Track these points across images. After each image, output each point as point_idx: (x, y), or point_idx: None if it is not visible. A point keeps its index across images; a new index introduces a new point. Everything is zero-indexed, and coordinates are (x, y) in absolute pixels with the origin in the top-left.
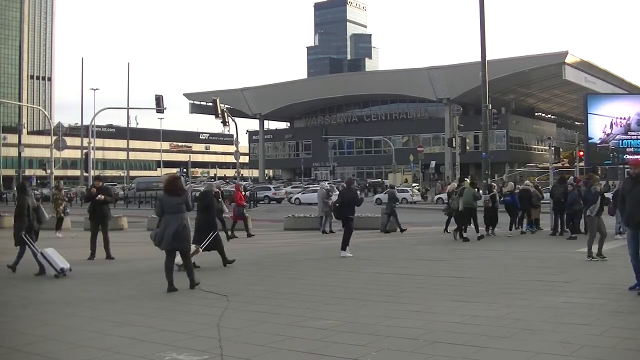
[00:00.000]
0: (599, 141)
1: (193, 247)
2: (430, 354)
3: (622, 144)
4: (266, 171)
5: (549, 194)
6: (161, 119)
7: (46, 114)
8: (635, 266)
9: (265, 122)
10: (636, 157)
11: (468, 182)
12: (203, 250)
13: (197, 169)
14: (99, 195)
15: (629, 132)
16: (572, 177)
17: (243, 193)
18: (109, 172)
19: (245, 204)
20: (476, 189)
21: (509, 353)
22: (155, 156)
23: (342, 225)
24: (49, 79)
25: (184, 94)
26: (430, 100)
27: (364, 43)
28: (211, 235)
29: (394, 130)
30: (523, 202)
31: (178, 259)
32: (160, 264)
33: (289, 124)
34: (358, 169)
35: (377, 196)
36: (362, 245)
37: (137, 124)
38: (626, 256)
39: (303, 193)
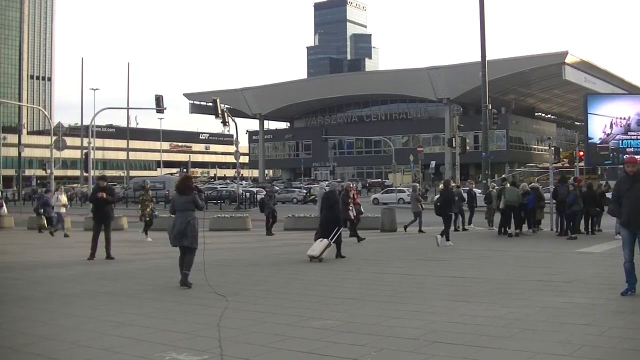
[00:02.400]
0: (599, 141)
1: (325, 241)
2: (430, 354)
3: (622, 144)
4: (266, 171)
5: (549, 194)
6: (161, 119)
7: (46, 114)
8: (629, 269)
9: (265, 122)
10: (632, 155)
11: (509, 182)
12: (331, 242)
13: (197, 169)
14: (101, 194)
15: (628, 132)
16: (572, 178)
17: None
18: (109, 172)
19: (359, 203)
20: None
21: (509, 353)
22: (155, 156)
23: (443, 221)
24: (49, 79)
25: (184, 94)
26: (430, 100)
27: (364, 43)
28: (337, 230)
29: (394, 130)
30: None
31: (313, 251)
32: (160, 263)
33: (288, 124)
34: (358, 169)
35: (374, 196)
36: (362, 245)
37: (137, 124)
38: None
39: (382, 193)
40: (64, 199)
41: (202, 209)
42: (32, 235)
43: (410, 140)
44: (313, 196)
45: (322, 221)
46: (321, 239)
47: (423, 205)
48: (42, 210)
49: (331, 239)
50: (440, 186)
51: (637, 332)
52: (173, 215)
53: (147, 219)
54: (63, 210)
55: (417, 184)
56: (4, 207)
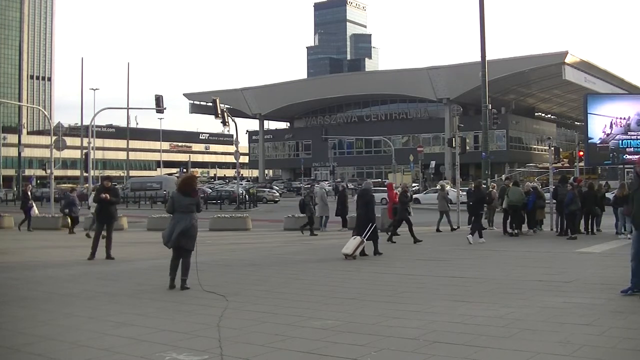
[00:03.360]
0: (599, 141)
1: (359, 238)
2: (430, 354)
3: (622, 144)
4: (266, 171)
5: (549, 194)
6: (161, 119)
7: (46, 114)
8: (635, 268)
9: (265, 122)
10: None
11: (511, 183)
12: (366, 240)
13: (197, 169)
14: (104, 195)
15: (628, 132)
16: (572, 178)
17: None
18: (108, 172)
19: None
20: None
21: (509, 353)
22: (155, 156)
23: (473, 219)
24: (49, 79)
25: (184, 94)
26: (430, 100)
27: (364, 43)
28: (370, 227)
29: (394, 130)
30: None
31: (347, 249)
32: (160, 263)
33: (288, 124)
34: (358, 169)
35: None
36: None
37: (137, 124)
38: (627, 256)
39: (425, 194)
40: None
41: (200, 211)
42: (32, 235)
43: (410, 140)
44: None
45: (357, 219)
46: (354, 236)
47: (449, 205)
48: (67, 210)
49: (364, 237)
50: (470, 186)
51: (637, 332)
52: (156, 216)
53: None
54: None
55: (445, 184)
56: (34, 207)
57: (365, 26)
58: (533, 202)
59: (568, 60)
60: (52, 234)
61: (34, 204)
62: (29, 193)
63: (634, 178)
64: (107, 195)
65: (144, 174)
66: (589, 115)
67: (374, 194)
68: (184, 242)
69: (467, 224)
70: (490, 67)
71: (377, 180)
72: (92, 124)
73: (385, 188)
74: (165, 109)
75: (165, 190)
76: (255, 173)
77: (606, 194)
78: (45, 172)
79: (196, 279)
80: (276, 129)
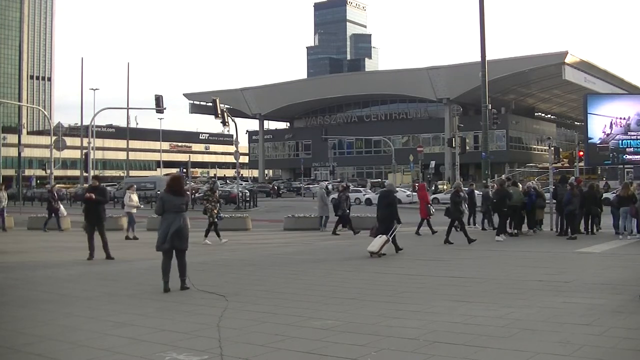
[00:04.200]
0: (598, 141)
1: (384, 237)
2: (430, 354)
3: (621, 144)
4: (266, 171)
5: (549, 194)
6: (161, 119)
7: (46, 114)
8: None
9: (265, 122)
10: None
11: (511, 182)
12: (390, 238)
13: (197, 169)
14: (89, 195)
15: (628, 132)
16: (572, 178)
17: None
18: (109, 172)
19: (430, 202)
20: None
21: (509, 353)
22: (155, 156)
23: (498, 216)
24: (49, 79)
25: (184, 94)
26: (430, 100)
27: (363, 43)
28: (395, 227)
29: (394, 130)
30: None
31: (373, 247)
32: (159, 264)
33: (288, 124)
34: (358, 169)
35: (332, 196)
36: (361, 245)
37: (137, 124)
38: (628, 256)
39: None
40: (135, 198)
41: (186, 211)
42: (32, 235)
43: (410, 140)
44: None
45: (380, 218)
46: (380, 235)
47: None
48: (156, 211)
49: (389, 235)
50: (492, 185)
51: (637, 332)
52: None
53: (215, 220)
54: (134, 211)
55: (460, 184)
56: (62, 207)
57: (365, 26)
58: (533, 202)
59: (568, 60)
60: (52, 234)
61: (60, 205)
62: (56, 193)
63: None
64: (92, 195)
65: (144, 174)
66: (589, 115)
67: (396, 195)
68: (178, 243)
69: (473, 224)
70: (490, 67)
71: (377, 180)
72: (92, 124)
73: (360, 188)
74: (165, 109)
75: (159, 190)
76: (255, 173)
77: (605, 194)
78: (45, 172)
79: (203, 278)
80: (276, 129)
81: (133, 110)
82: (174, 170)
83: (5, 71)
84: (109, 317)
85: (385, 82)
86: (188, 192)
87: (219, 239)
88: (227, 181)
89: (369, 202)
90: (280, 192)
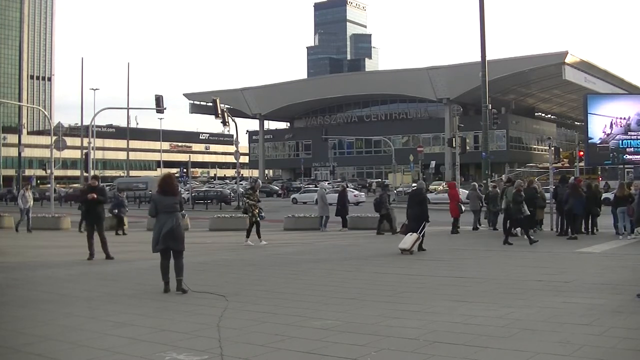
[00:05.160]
0: (599, 141)
1: (415, 234)
2: (430, 354)
3: (622, 144)
4: (266, 171)
5: (549, 194)
6: (161, 119)
7: (46, 114)
8: None
9: (265, 122)
10: None
11: (511, 183)
12: (421, 236)
13: (197, 169)
14: (91, 195)
15: (629, 132)
16: (572, 178)
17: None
18: (108, 172)
19: (461, 200)
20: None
21: (509, 353)
22: (155, 156)
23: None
24: (49, 79)
25: (184, 94)
26: (430, 100)
27: (364, 43)
28: (424, 224)
29: (394, 130)
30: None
31: (404, 244)
32: (159, 264)
33: (289, 124)
34: (358, 169)
35: (293, 196)
36: (362, 245)
37: (137, 124)
38: (628, 256)
39: (301, 193)
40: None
41: (182, 210)
42: (32, 235)
43: (410, 140)
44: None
45: (411, 216)
46: (411, 232)
47: (482, 204)
48: (115, 211)
49: (419, 233)
50: (493, 186)
51: (637, 332)
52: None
53: (256, 220)
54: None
55: (476, 183)
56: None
57: (365, 26)
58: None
59: (568, 60)
60: (52, 234)
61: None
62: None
63: None
64: (95, 195)
65: (144, 174)
66: (589, 115)
67: (426, 195)
68: (172, 244)
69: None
70: (490, 67)
71: (377, 180)
72: (92, 124)
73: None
74: (165, 109)
75: (150, 190)
76: (255, 173)
77: (605, 194)
78: (45, 172)
79: (202, 278)
80: (276, 129)
81: (133, 110)
82: (174, 170)
83: (5, 71)
84: (109, 317)
85: (385, 82)
86: (186, 191)
87: (259, 240)
88: (227, 181)
89: (294, 201)
90: (289, 192)
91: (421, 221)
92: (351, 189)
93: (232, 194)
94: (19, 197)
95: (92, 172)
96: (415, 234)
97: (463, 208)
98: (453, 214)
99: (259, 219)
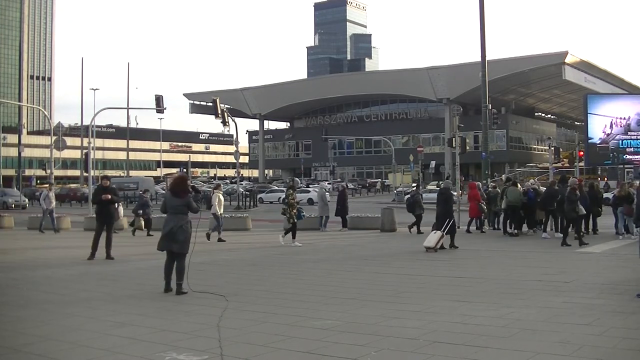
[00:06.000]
0: (599, 141)
1: (439, 232)
2: (430, 354)
3: (622, 144)
4: (266, 171)
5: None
6: (161, 119)
7: (46, 114)
8: None
9: (265, 122)
10: None
11: (511, 183)
12: (445, 234)
13: (197, 169)
14: (105, 196)
15: (628, 132)
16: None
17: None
18: (108, 172)
19: (482, 200)
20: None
21: (509, 353)
22: (155, 156)
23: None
24: (49, 79)
25: (184, 94)
26: (430, 100)
27: (364, 43)
28: (448, 222)
29: (394, 130)
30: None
31: (429, 242)
32: (160, 264)
33: (288, 124)
34: (358, 169)
35: (260, 195)
36: (362, 245)
37: (137, 124)
38: (628, 256)
39: (267, 193)
40: (222, 198)
41: (196, 212)
42: (32, 235)
43: (410, 140)
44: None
45: (437, 215)
46: (435, 230)
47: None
48: (140, 212)
49: (443, 231)
50: (493, 186)
51: (637, 332)
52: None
53: (294, 221)
54: (221, 211)
55: (480, 183)
56: (120, 208)
57: (365, 26)
58: (533, 202)
59: (568, 60)
60: (52, 234)
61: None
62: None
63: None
64: (109, 195)
65: (144, 174)
66: (589, 115)
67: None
68: (172, 246)
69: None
70: (490, 67)
71: (377, 180)
72: (92, 124)
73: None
74: (165, 109)
75: (140, 191)
76: (255, 173)
77: (605, 194)
78: (45, 172)
79: (203, 278)
80: (276, 129)
81: (133, 110)
82: (174, 170)
83: (5, 71)
84: (109, 317)
85: (385, 82)
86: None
87: (292, 241)
88: (228, 181)
89: (310, 202)
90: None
91: (445, 219)
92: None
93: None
94: (42, 197)
95: (92, 173)
96: (439, 232)
97: (485, 208)
98: (472, 213)
99: (296, 220)
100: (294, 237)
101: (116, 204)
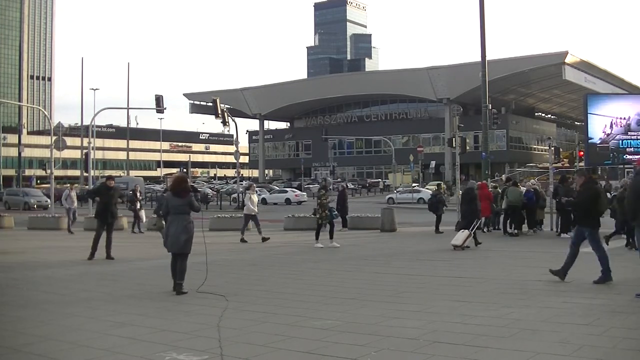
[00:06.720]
0: (599, 141)
1: (466, 232)
2: (430, 354)
3: (622, 144)
4: (266, 171)
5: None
6: (161, 119)
7: (46, 114)
8: None
9: (265, 122)
10: None
11: (511, 183)
12: (471, 232)
13: (197, 169)
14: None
15: (628, 132)
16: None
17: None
18: (108, 172)
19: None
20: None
21: (509, 353)
22: (155, 156)
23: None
24: (49, 79)
25: (184, 94)
26: (430, 100)
27: (364, 43)
28: (476, 222)
29: (394, 130)
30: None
31: (456, 241)
32: (160, 264)
33: (289, 124)
34: (358, 169)
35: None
36: (362, 245)
37: (137, 124)
38: (627, 255)
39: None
40: (255, 199)
41: (198, 211)
42: (32, 235)
43: (410, 140)
44: None
45: (462, 214)
46: (462, 229)
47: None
48: (161, 212)
49: (471, 230)
50: (495, 186)
51: (637, 332)
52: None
53: (326, 222)
54: (256, 211)
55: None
56: (142, 210)
57: (365, 26)
58: (533, 202)
59: (568, 60)
60: (52, 234)
61: (142, 206)
62: (138, 194)
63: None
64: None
65: (144, 174)
66: (589, 115)
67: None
68: (174, 246)
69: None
70: (490, 67)
71: (377, 180)
72: (92, 124)
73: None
74: (165, 109)
75: (130, 191)
76: (255, 173)
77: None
78: (46, 172)
79: (203, 279)
80: (276, 129)
81: (133, 110)
82: (174, 170)
83: (5, 71)
84: (109, 317)
85: (385, 82)
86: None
87: (316, 241)
88: (228, 181)
89: (264, 201)
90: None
91: (472, 219)
92: (293, 189)
93: (213, 194)
94: (64, 197)
95: (92, 172)
96: (466, 231)
97: (496, 207)
98: (485, 213)
99: (326, 221)
100: (331, 237)
101: (121, 203)
